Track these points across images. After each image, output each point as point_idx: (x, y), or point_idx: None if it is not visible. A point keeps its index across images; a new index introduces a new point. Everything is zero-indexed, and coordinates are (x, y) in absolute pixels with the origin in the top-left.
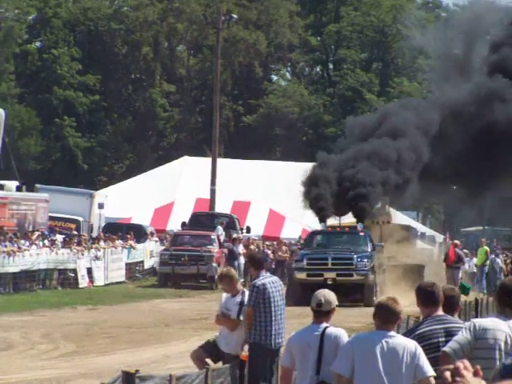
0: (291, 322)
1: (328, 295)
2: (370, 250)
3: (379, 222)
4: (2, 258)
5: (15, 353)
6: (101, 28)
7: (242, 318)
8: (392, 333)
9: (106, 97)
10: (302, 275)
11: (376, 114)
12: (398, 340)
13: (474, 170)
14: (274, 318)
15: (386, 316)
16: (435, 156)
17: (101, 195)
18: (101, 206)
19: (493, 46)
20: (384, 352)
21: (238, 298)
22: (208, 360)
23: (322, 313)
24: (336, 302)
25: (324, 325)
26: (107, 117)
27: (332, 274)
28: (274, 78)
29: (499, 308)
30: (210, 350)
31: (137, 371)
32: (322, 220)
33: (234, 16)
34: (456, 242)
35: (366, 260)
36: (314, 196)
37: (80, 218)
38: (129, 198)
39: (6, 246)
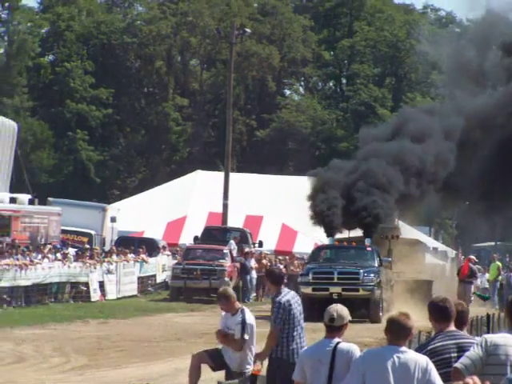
0: None
1: (341, 310)
2: (376, 265)
3: (388, 237)
4: (14, 272)
5: (27, 366)
6: (114, 42)
7: (246, 337)
8: (403, 348)
9: (118, 110)
10: (307, 289)
11: (390, 123)
12: (410, 355)
13: (498, 183)
14: (296, 334)
15: (398, 331)
16: (456, 166)
17: (113, 209)
18: (113, 220)
19: (506, 48)
20: (395, 367)
21: (239, 318)
22: (207, 366)
23: (335, 328)
24: (349, 317)
25: (336, 340)
26: (120, 130)
27: (338, 289)
28: (287, 92)
29: (510, 324)
30: (215, 357)
31: None
32: (330, 234)
33: (248, 30)
34: (471, 257)
35: (372, 275)
36: (322, 210)
37: (92, 232)
38: (141, 212)
39: (18, 259)
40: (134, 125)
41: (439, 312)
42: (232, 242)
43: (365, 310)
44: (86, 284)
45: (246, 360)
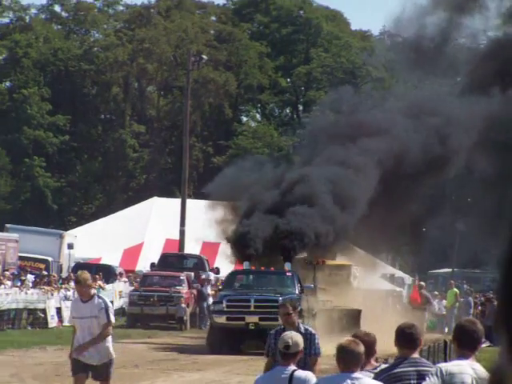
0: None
1: (295, 336)
2: (297, 291)
3: (312, 262)
4: None
5: None
6: (71, 68)
7: (113, 319)
8: (357, 374)
9: (75, 137)
10: (221, 319)
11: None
12: (364, 381)
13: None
14: None
15: (348, 358)
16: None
17: (70, 235)
18: (70, 247)
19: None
20: None
21: (99, 303)
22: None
23: (290, 355)
24: (302, 344)
25: (292, 367)
26: (77, 157)
27: (254, 318)
28: (244, 119)
29: (458, 350)
30: (81, 369)
31: None
32: (247, 258)
33: (204, 57)
34: (421, 283)
35: None
36: (240, 232)
37: (49, 258)
38: (98, 239)
39: None
40: (90, 151)
41: (405, 338)
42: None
43: None
44: (44, 310)
45: (110, 346)
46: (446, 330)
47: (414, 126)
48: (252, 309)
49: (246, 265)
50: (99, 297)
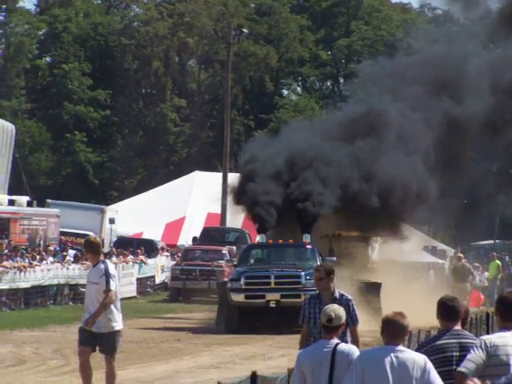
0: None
1: (338, 309)
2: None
3: (328, 235)
4: (13, 274)
5: (26, 368)
6: (111, 43)
7: (112, 287)
8: (400, 347)
9: (116, 112)
10: (239, 297)
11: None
12: (408, 354)
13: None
14: None
15: (394, 331)
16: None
17: (112, 210)
18: (112, 221)
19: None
20: (394, 367)
21: (101, 268)
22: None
23: (332, 328)
24: (345, 317)
25: (334, 341)
26: (118, 132)
27: (276, 296)
28: (285, 92)
29: (501, 322)
30: (87, 339)
31: None
32: (263, 231)
33: (245, 30)
34: (459, 255)
35: None
36: (252, 201)
37: (91, 234)
38: (140, 213)
39: (17, 262)
40: (132, 126)
41: (447, 310)
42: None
43: None
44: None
45: (113, 317)
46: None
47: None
48: (272, 285)
49: (261, 238)
50: (103, 262)
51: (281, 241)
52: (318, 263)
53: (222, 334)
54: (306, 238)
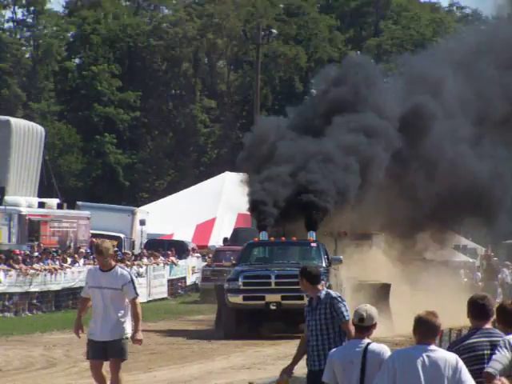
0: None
1: (370, 309)
2: (324, 265)
3: (333, 234)
4: (43, 276)
5: (58, 371)
6: (140, 44)
7: (139, 292)
8: (433, 347)
9: (146, 113)
10: (237, 299)
11: None
12: (440, 354)
13: None
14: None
15: (426, 330)
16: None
17: (142, 212)
18: (142, 223)
19: None
20: (425, 366)
21: (123, 275)
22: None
23: (364, 328)
24: (377, 317)
25: (366, 340)
26: (148, 133)
27: (276, 297)
28: (315, 92)
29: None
30: (97, 350)
31: None
32: (263, 228)
33: (274, 31)
34: (488, 253)
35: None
36: (255, 197)
37: (122, 235)
38: (170, 215)
39: (48, 264)
40: (161, 127)
41: (477, 309)
42: None
43: None
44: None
45: (125, 323)
46: None
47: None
48: (273, 286)
49: (262, 235)
50: (122, 267)
51: (283, 238)
52: (324, 263)
53: (250, 336)
54: (312, 235)
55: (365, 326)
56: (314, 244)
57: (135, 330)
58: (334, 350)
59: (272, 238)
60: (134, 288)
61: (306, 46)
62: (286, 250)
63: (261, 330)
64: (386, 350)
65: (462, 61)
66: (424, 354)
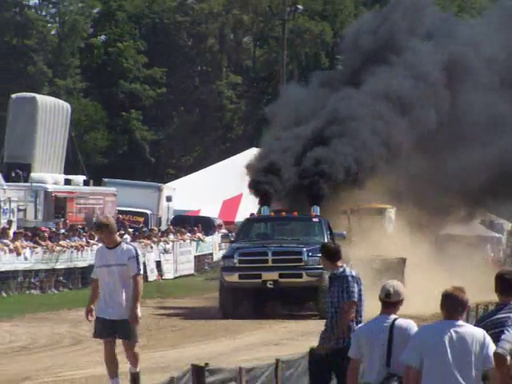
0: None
1: (397, 285)
2: (326, 240)
3: (345, 211)
4: (69, 253)
5: (84, 347)
6: (166, 21)
7: (142, 270)
8: (460, 322)
9: (172, 89)
10: (232, 277)
11: None
12: (467, 329)
13: None
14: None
15: (453, 306)
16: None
17: (169, 188)
18: (169, 199)
19: None
20: (453, 342)
21: (129, 250)
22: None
23: (391, 304)
24: (405, 293)
25: (393, 316)
26: (174, 109)
27: (273, 275)
28: (340, 67)
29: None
30: (109, 329)
31: (206, 364)
32: (265, 203)
33: (300, 7)
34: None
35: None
36: (258, 178)
37: (148, 212)
38: (197, 191)
39: (74, 241)
40: (187, 104)
41: (505, 284)
42: None
43: (312, 302)
44: (143, 264)
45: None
46: None
47: None
48: (270, 263)
49: (263, 210)
50: (128, 243)
51: (284, 213)
52: (326, 239)
53: (279, 311)
54: (315, 210)
55: (391, 302)
56: (315, 219)
57: (132, 307)
58: (360, 325)
59: (272, 213)
60: (138, 264)
61: (332, 22)
62: (286, 226)
63: (257, 309)
64: (412, 326)
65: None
66: (451, 330)
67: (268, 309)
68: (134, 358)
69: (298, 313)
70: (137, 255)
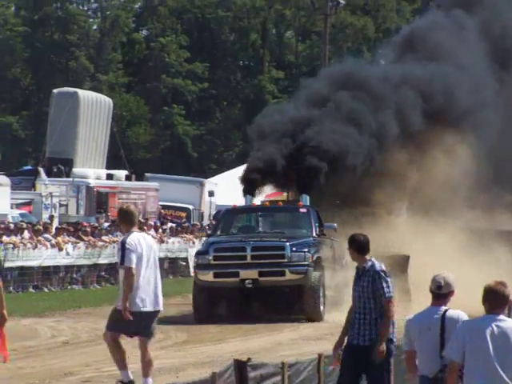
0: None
1: (448, 277)
2: (314, 234)
3: (339, 202)
4: (112, 248)
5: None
6: (208, 15)
7: (129, 264)
8: (502, 316)
9: (214, 84)
10: (207, 276)
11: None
12: (509, 324)
13: None
14: None
15: (495, 300)
16: None
17: (211, 183)
18: (211, 194)
19: None
20: (494, 336)
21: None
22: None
23: (442, 295)
24: (455, 284)
25: (443, 307)
26: (216, 104)
27: (252, 273)
28: (383, 63)
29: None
30: (118, 322)
31: (249, 359)
32: (250, 192)
33: (342, 2)
34: None
35: (306, 250)
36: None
37: (190, 207)
38: (239, 186)
39: (116, 236)
40: (229, 98)
41: None
42: None
43: (296, 302)
44: (185, 259)
45: (135, 297)
46: None
47: None
48: (249, 260)
49: (247, 200)
50: (127, 235)
51: (267, 203)
52: (315, 231)
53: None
54: (304, 199)
55: (442, 294)
56: (303, 209)
57: (122, 299)
58: (411, 317)
59: (254, 204)
60: (123, 256)
61: (374, 17)
62: (270, 217)
63: (235, 311)
64: (463, 316)
65: None
66: (493, 324)
67: (249, 311)
68: (148, 365)
69: (286, 315)
70: (122, 247)
